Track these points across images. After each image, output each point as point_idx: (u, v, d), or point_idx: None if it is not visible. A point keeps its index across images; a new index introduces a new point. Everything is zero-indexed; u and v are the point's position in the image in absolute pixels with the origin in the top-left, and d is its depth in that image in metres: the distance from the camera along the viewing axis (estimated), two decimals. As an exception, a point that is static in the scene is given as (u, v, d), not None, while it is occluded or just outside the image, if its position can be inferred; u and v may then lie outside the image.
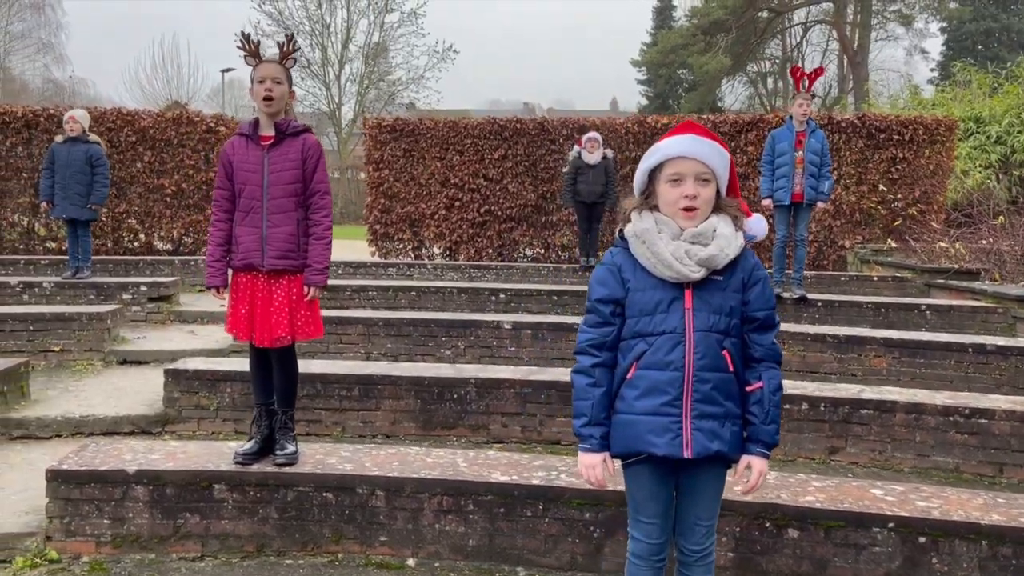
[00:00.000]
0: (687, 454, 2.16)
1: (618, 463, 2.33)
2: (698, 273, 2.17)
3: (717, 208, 2.26)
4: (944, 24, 40.33)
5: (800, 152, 7.63)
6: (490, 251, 12.16)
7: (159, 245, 11.88)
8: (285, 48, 3.77)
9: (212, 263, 3.78)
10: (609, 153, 10.25)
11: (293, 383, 3.92)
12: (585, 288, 8.06)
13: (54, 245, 11.65)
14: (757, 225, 2.34)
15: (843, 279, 9.42)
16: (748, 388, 2.22)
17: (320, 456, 3.94)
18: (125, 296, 8.13)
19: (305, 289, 3.76)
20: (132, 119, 11.50)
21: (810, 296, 7.95)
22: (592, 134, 10.23)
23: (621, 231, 2.31)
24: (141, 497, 3.72)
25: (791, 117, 7.80)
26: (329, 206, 3.82)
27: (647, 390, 2.18)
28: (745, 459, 2.23)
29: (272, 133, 3.74)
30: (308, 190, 3.75)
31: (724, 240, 2.19)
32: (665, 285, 2.20)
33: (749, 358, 2.23)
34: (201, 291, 9.96)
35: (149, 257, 10.64)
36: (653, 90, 49.45)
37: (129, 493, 3.71)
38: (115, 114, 11.54)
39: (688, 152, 2.22)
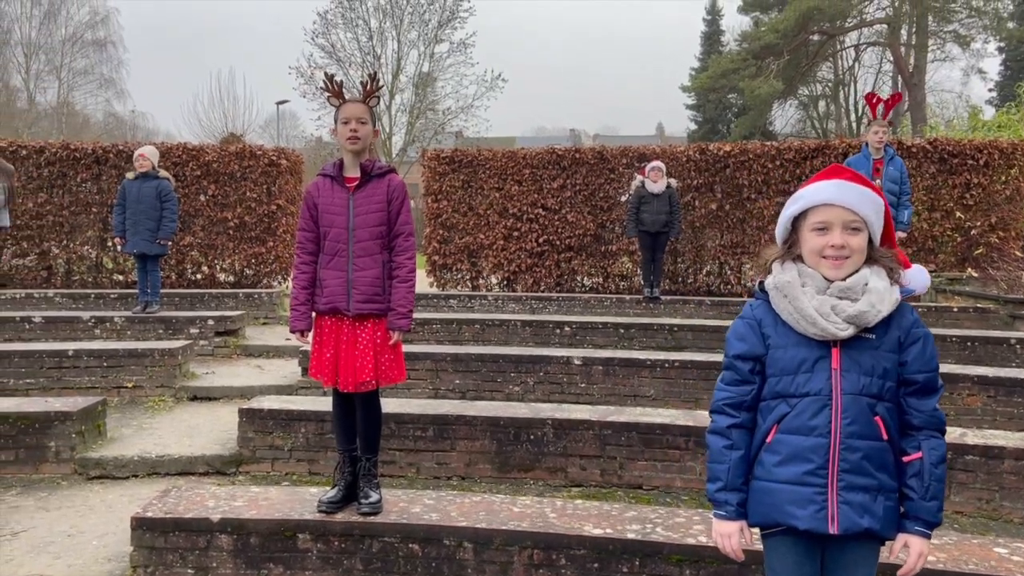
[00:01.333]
0: (833, 530, 1.97)
1: (756, 531, 2.16)
2: (845, 331, 2.00)
3: (870, 259, 2.09)
4: (1002, 44, 39.42)
5: (878, 181, 7.38)
6: (548, 281, 12.05)
7: (221, 277, 12.02)
8: (368, 87, 3.72)
9: (297, 306, 3.71)
10: (673, 182, 10.10)
11: (377, 429, 3.83)
12: (651, 320, 7.88)
13: (121, 278, 11.87)
14: (917, 278, 2.17)
15: (920, 310, 9.07)
16: (905, 459, 2.03)
17: (403, 504, 3.83)
18: (193, 330, 8.18)
19: (389, 333, 3.68)
20: (197, 154, 11.71)
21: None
22: (656, 163, 10.09)
23: (761, 283, 2.15)
24: (225, 546, 3.64)
25: (866, 145, 7.56)
26: (413, 248, 3.74)
27: (789, 456, 2.01)
28: (902, 538, 2.03)
29: (357, 174, 3.67)
30: (393, 232, 3.68)
31: (876, 295, 2.02)
32: (810, 343, 2.04)
33: (907, 425, 2.05)
34: (265, 323, 10.02)
35: (213, 290, 10.74)
36: (702, 115, 49.18)
37: (213, 542, 3.64)
38: (181, 149, 11.75)
39: (834, 199, 2.06)
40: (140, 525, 3.63)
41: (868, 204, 2.08)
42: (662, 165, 10.05)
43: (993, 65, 43.36)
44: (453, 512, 3.74)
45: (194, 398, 6.81)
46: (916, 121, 34.44)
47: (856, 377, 2.00)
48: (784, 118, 47.95)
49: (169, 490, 3.99)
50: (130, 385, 6.71)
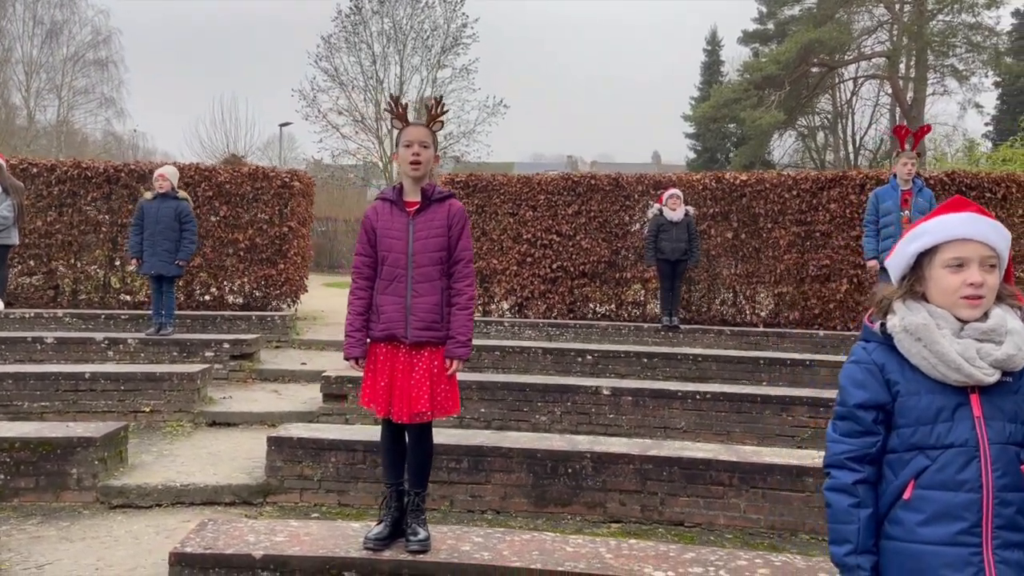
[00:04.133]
0: None
1: None
2: (992, 376, 1.87)
3: (996, 297, 1.97)
4: (999, 79, 39.77)
5: (907, 212, 7.32)
6: (561, 308, 11.91)
7: (230, 299, 11.85)
8: (433, 111, 3.63)
9: (352, 332, 3.59)
10: (691, 210, 10.03)
11: (429, 462, 3.69)
12: (673, 350, 7.74)
13: (128, 298, 11.69)
14: None
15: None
16: None
17: (452, 542, 3.68)
18: (208, 353, 8.02)
19: (447, 362, 3.55)
20: (209, 174, 11.58)
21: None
22: (674, 191, 10.02)
23: (883, 325, 2.01)
24: (267, 584, 3.48)
25: (895, 176, 7.51)
26: (473, 275, 3.62)
27: (936, 515, 1.86)
28: None
29: (418, 199, 3.57)
30: (452, 258, 3.57)
31: (1019, 336, 1.89)
32: (945, 389, 1.90)
33: None
34: (278, 347, 9.86)
35: (225, 312, 10.57)
36: (701, 144, 49.40)
37: (255, 580, 3.48)
38: (193, 169, 11.63)
39: (971, 234, 1.94)
40: (179, 561, 3.47)
41: (1002, 239, 1.97)
42: (680, 193, 9.99)
43: (990, 99, 43.79)
44: (505, 551, 3.59)
45: (213, 423, 6.64)
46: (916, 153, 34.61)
47: (1001, 425, 1.87)
48: (783, 148, 48.23)
49: (205, 523, 3.83)
50: (147, 410, 6.54)
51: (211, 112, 53.91)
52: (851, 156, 45.95)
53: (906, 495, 1.91)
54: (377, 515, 4.83)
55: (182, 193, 8.46)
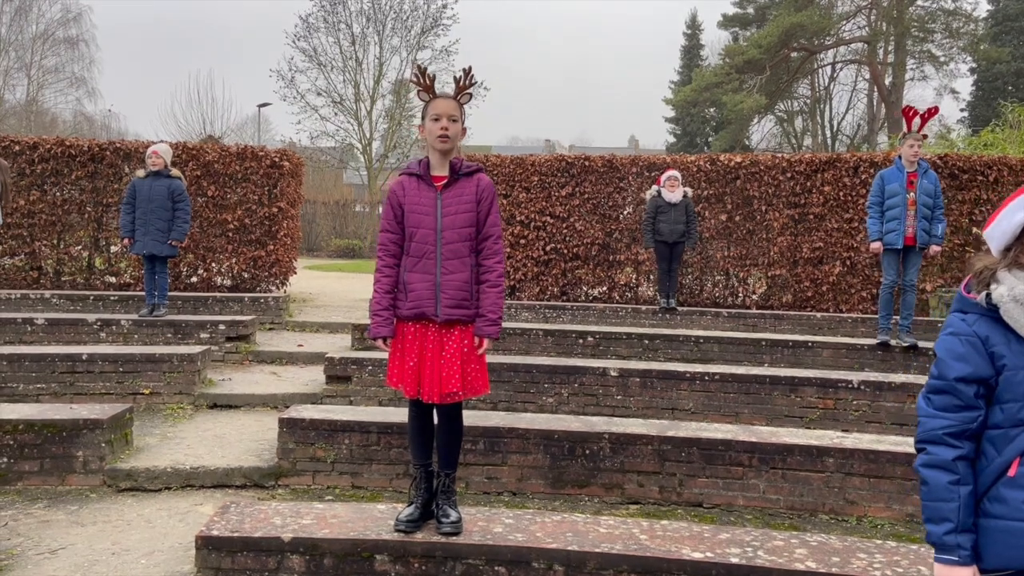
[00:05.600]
0: None
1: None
2: None
3: None
4: (974, 65, 40.13)
5: (912, 194, 7.32)
6: (554, 290, 11.86)
7: (218, 280, 11.66)
8: (461, 82, 3.51)
9: (379, 311, 3.48)
10: (688, 191, 9.99)
11: (459, 443, 3.61)
12: (674, 332, 7.68)
13: (113, 279, 11.47)
14: None
15: (940, 325, 9.01)
16: None
17: (482, 523, 3.61)
18: (203, 335, 7.86)
19: (477, 341, 3.47)
20: (197, 153, 11.35)
21: (921, 344, 7.58)
22: (672, 172, 9.97)
23: (988, 296, 1.94)
24: (297, 568, 3.40)
25: (899, 157, 7.50)
26: (502, 251, 3.53)
27: None
28: None
29: (445, 173, 3.47)
30: (481, 234, 3.47)
31: None
32: None
33: None
34: (272, 329, 9.71)
35: (218, 294, 10.39)
36: (681, 128, 49.47)
37: (284, 563, 3.39)
38: (180, 148, 11.38)
39: None
40: (206, 544, 3.37)
41: None
42: (678, 174, 9.93)
43: (965, 85, 44.17)
44: (538, 532, 3.53)
45: (214, 406, 6.52)
46: (893, 138, 34.87)
47: None
48: (761, 133, 48.45)
49: (228, 506, 3.73)
50: (147, 392, 6.40)
51: (187, 91, 53.11)
52: (828, 141, 46.27)
53: (1011, 472, 1.85)
54: (394, 497, 4.81)
55: (175, 171, 8.27)
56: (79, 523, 4.28)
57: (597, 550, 3.37)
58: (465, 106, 3.55)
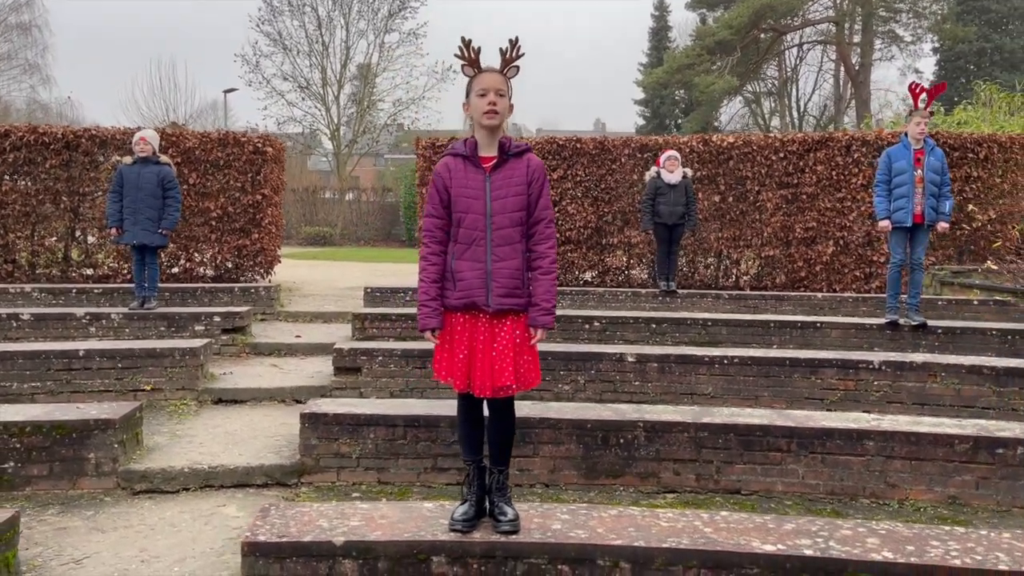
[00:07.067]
0: None
1: None
2: None
3: None
4: (937, 44, 40.55)
5: (919, 171, 7.27)
6: (546, 275, 11.68)
7: (200, 271, 11.32)
8: (508, 54, 3.30)
9: (427, 302, 3.28)
10: (688, 172, 9.87)
11: (512, 437, 3.45)
12: (681, 315, 7.57)
13: (91, 272, 11.07)
14: None
15: (940, 303, 9.04)
16: None
17: (539, 520, 3.46)
18: (198, 327, 7.59)
19: (530, 331, 3.30)
20: (176, 139, 10.96)
21: (929, 323, 7.55)
22: (672, 152, 9.84)
23: None
24: (349, 572, 3.22)
25: (906, 135, 7.44)
26: (554, 236, 3.35)
27: None
28: None
29: (494, 153, 3.28)
30: (533, 218, 3.29)
31: None
32: None
33: None
34: (264, 319, 9.43)
35: (206, 284, 10.06)
36: (650, 110, 49.42)
37: (336, 568, 3.21)
38: (159, 134, 10.97)
39: None
40: (252, 551, 3.18)
41: None
42: (678, 155, 9.81)
43: (928, 65, 44.67)
44: (598, 528, 3.38)
45: (219, 401, 6.27)
46: (860, 118, 35.16)
47: None
48: (729, 114, 48.57)
49: (268, 509, 3.53)
50: (148, 388, 6.13)
51: (148, 77, 51.79)
52: (796, 122, 46.55)
53: None
54: (423, 492, 4.63)
55: (164, 157, 7.94)
56: (99, 529, 4.05)
57: (663, 545, 3.23)
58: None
